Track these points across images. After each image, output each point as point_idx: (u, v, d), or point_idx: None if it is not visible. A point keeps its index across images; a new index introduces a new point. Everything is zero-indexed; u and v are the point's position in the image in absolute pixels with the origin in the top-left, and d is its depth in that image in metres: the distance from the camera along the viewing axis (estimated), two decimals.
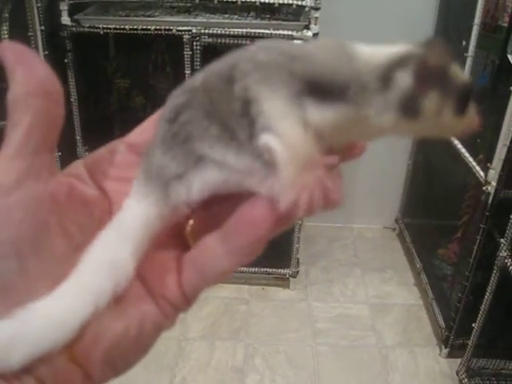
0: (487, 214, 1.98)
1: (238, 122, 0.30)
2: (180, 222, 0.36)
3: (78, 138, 2.31)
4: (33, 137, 0.32)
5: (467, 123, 0.33)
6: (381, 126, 0.32)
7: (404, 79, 0.30)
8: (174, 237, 0.37)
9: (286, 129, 0.29)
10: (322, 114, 0.30)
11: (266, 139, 0.29)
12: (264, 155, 0.30)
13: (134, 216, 0.33)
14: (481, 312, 2.02)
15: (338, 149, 0.33)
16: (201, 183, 0.32)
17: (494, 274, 1.94)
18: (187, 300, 0.34)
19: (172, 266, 0.34)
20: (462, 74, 0.32)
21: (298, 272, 2.66)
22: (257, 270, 2.61)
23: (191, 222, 0.37)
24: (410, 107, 0.31)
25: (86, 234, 0.33)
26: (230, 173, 0.31)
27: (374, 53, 0.32)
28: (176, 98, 0.33)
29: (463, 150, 2.21)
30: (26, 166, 0.31)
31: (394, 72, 0.30)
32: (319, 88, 0.30)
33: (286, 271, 2.64)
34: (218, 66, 0.33)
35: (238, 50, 0.33)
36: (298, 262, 2.64)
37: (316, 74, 0.30)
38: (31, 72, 0.32)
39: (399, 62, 0.31)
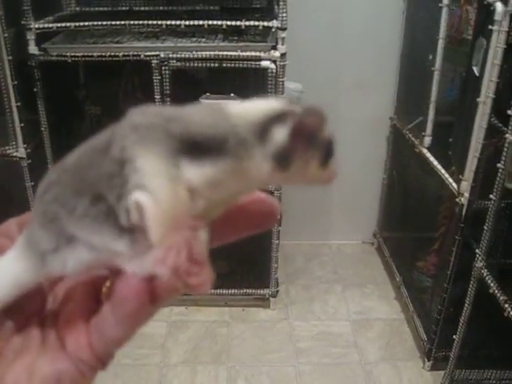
0: (462, 225, 2.00)
1: (109, 185, 0.30)
2: (99, 281, 0.37)
3: (50, 166, 2.29)
4: None
5: (328, 175, 0.36)
6: (258, 178, 0.33)
7: (280, 135, 0.32)
8: (93, 296, 0.37)
9: (157, 185, 0.30)
10: (199, 171, 0.31)
11: (136, 196, 0.29)
12: (131, 217, 0.30)
13: (6, 271, 0.34)
14: (461, 323, 2.03)
15: (217, 213, 0.35)
16: (75, 261, 0.32)
17: (471, 285, 1.95)
18: (100, 361, 0.35)
19: (84, 327, 0.35)
20: (329, 130, 0.34)
21: (277, 291, 2.65)
22: (236, 291, 2.59)
23: (108, 283, 0.37)
24: (282, 160, 0.32)
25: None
26: (98, 252, 0.31)
27: (249, 109, 0.33)
28: (48, 175, 0.33)
29: (435, 163, 2.23)
30: None
31: (271, 127, 0.32)
32: (196, 146, 0.31)
33: (266, 291, 2.63)
34: (95, 140, 0.33)
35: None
36: (277, 282, 2.63)
37: (192, 132, 0.31)
38: None
39: (276, 118, 0.32)
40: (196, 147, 0.31)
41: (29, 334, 0.36)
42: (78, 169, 0.32)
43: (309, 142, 0.33)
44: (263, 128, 0.32)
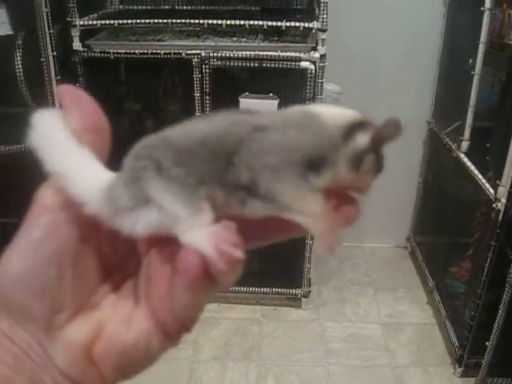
0: (498, 231, 1.98)
1: (221, 178, 0.35)
2: None
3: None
4: None
5: (371, 185, 0.41)
6: (339, 177, 0.38)
7: (362, 140, 0.37)
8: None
9: (308, 206, 0.36)
10: (320, 181, 0.36)
11: (294, 217, 0.36)
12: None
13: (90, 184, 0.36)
14: (494, 330, 2.01)
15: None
16: (144, 222, 0.35)
17: (506, 292, 1.93)
18: (183, 325, 0.37)
19: (168, 292, 0.37)
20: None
21: (309, 292, 2.66)
22: (268, 290, 2.61)
23: None
24: (357, 162, 0.37)
25: (119, 257, 0.39)
26: (164, 215, 0.34)
27: (336, 114, 0.38)
28: (146, 140, 0.36)
29: (473, 168, 2.21)
30: None
31: (355, 132, 0.37)
32: (313, 163, 0.36)
33: (298, 291, 2.64)
34: (209, 127, 0.36)
35: (241, 117, 0.37)
36: (309, 282, 2.63)
37: (309, 157, 0.36)
38: (85, 111, 0.38)
39: (359, 125, 0.37)
40: (313, 164, 0.36)
41: (124, 292, 0.39)
42: (186, 150, 0.35)
43: (378, 150, 0.38)
44: (348, 132, 0.37)
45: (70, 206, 0.36)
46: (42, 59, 2.14)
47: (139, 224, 0.35)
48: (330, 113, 0.38)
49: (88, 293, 0.38)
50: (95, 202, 0.35)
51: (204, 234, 0.34)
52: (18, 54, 2.12)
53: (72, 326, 0.36)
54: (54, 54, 2.15)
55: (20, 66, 2.12)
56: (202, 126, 0.36)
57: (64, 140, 0.36)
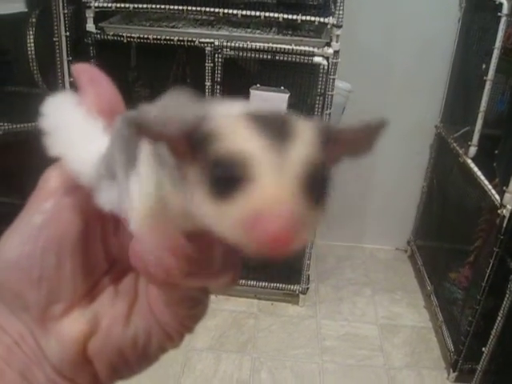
0: (501, 237, 1.98)
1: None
2: None
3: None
4: None
5: (243, 221, 0.23)
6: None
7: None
8: None
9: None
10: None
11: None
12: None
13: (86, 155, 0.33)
14: (491, 337, 2.01)
15: None
16: (105, 197, 0.32)
17: (506, 299, 1.93)
18: (184, 326, 0.36)
19: None
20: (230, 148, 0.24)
21: (307, 289, 2.65)
22: (267, 284, 2.60)
23: None
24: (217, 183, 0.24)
25: (124, 247, 0.36)
26: (116, 195, 0.31)
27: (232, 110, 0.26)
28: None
29: (479, 173, 2.21)
30: None
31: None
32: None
33: (296, 287, 2.63)
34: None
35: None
36: (308, 279, 2.63)
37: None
38: (101, 92, 0.36)
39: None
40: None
41: (124, 285, 0.36)
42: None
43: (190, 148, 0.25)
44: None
45: (76, 191, 0.34)
46: (54, 39, 2.14)
47: (101, 198, 0.32)
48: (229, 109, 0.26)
49: (88, 285, 0.35)
50: (88, 171, 0.32)
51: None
52: (30, 33, 2.12)
53: (68, 319, 0.34)
54: (67, 34, 2.14)
55: (32, 45, 2.11)
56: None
57: (73, 119, 0.34)
